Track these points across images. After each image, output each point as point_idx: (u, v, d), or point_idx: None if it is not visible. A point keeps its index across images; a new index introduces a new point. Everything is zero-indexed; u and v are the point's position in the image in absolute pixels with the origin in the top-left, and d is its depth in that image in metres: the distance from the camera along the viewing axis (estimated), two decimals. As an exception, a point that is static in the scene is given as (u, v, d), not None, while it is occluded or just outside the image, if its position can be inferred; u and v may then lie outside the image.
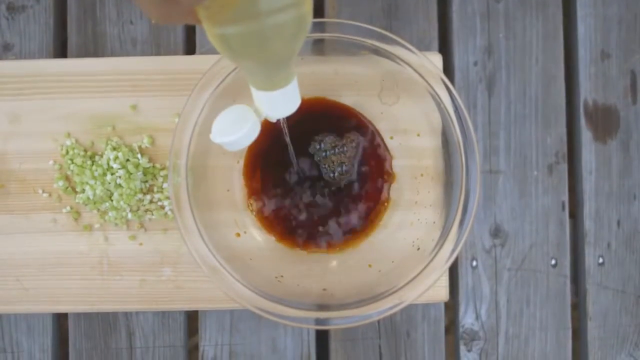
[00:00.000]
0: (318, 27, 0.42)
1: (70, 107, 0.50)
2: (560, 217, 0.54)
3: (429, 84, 0.43)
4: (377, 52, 0.43)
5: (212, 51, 0.53)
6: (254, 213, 0.49)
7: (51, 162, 0.50)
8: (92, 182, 0.49)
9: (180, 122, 0.42)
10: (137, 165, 0.49)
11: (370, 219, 0.49)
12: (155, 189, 0.50)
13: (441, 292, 0.49)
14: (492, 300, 0.53)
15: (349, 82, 0.48)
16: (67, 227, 0.50)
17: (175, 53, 0.54)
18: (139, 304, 0.50)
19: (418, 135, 0.48)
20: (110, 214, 0.49)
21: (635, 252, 0.54)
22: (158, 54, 0.54)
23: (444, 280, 0.49)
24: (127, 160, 0.49)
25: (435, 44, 0.55)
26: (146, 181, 0.50)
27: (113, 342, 0.52)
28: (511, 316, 0.53)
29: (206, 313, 0.52)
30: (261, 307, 0.41)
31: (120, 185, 0.49)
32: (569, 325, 0.54)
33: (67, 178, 0.50)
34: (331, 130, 0.48)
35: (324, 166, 0.47)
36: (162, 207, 0.50)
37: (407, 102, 0.47)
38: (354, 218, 0.48)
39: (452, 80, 0.54)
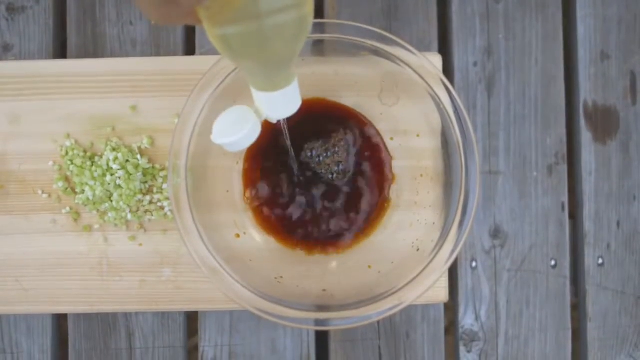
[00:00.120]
0: (318, 28, 0.42)
1: (70, 108, 0.50)
2: (560, 218, 0.54)
3: (428, 85, 0.43)
4: (377, 53, 0.43)
5: (211, 52, 0.53)
6: (254, 214, 0.49)
7: (51, 162, 0.50)
8: (91, 182, 0.49)
9: (179, 123, 0.42)
10: (136, 166, 0.49)
11: (370, 220, 0.49)
12: (154, 190, 0.50)
13: (441, 293, 0.49)
14: (492, 301, 0.53)
15: (349, 83, 0.48)
16: (67, 227, 0.50)
17: (174, 54, 0.54)
18: (139, 305, 0.50)
19: (418, 136, 0.48)
20: (109, 214, 0.49)
21: (635, 253, 0.54)
22: (158, 54, 0.54)
23: (444, 281, 0.49)
24: (127, 161, 0.49)
25: (435, 44, 0.55)
26: (146, 182, 0.50)
27: (113, 342, 0.52)
28: (511, 317, 0.53)
29: (206, 314, 0.52)
30: (261, 308, 0.41)
31: (119, 186, 0.49)
32: (569, 326, 0.54)
33: (66, 179, 0.50)
34: (325, 133, 0.48)
35: (321, 171, 0.47)
36: (162, 208, 0.50)
37: (407, 103, 0.47)
38: (353, 219, 0.48)
39: (451, 81, 0.54)
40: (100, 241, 0.50)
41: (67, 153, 0.50)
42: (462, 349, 0.53)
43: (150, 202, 0.50)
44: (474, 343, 0.53)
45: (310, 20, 0.27)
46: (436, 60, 0.50)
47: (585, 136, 0.55)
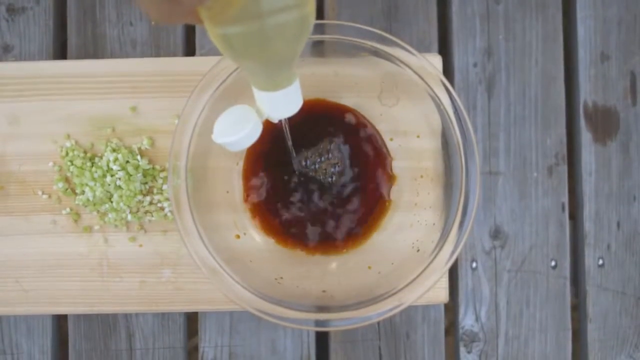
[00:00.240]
0: (318, 28, 0.42)
1: (70, 108, 0.50)
2: (560, 219, 0.54)
3: (428, 86, 0.43)
4: (376, 53, 0.43)
5: (211, 53, 0.53)
6: (253, 215, 0.49)
7: (51, 163, 0.50)
8: (91, 183, 0.49)
9: (180, 123, 0.42)
10: (136, 167, 0.49)
11: (370, 221, 0.49)
12: (155, 191, 0.50)
13: (441, 294, 0.49)
14: (492, 301, 0.53)
15: (349, 83, 0.48)
16: (67, 228, 0.50)
17: (174, 55, 0.54)
18: (139, 306, 0.50)
19: (418, 136, 0.48)
20: (110, 215, 0.49)
21: (635, 254, 0.54)
22: (158, 55, 0.54)
23: (444, 282, 0.49)
24: (127, 161, 0.49)
25: (435, 45, 0.55)
26: (146, 183, 0.50)
27: (113, 343, 0.52)
28: (511, 318, 0.53)
29: (206, 314, 0.52)
30: (261, 308, 0.41)
31: (120, 187, 0.49)
32: (569, 326, 0.53)
33: (66, 180, 0.50)
34: (325, 134, 0.48)
35: (319, 177, 0.47)
36: (162, 209, 0.50)
37: (406, 104, 0.47)
38: (353, 220, 0.48)
39: (451, 81, 0.54)
40: (100, 242, 0.50)
41: (67, 154, 0.50)
42: (462, 349, 0.53)
43: (151, 203, 0.50)
44: (474, 344, 0.53)
45: (312, 19, 0.27)
46: (436, 61, 0.50)
47: (585, 137, 0.55)
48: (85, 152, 0.50)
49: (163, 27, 0.54)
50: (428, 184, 0.47)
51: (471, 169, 0.42)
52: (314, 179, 0.48)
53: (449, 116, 0.42)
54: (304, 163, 0.47)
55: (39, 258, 0.50)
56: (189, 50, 0.55)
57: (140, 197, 0.49)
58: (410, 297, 0.42)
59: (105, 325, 0.52)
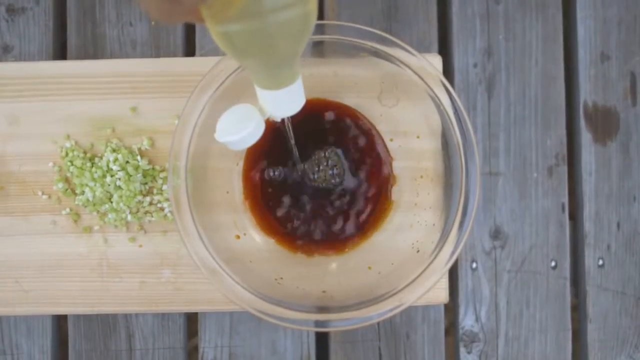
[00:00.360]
0: (318, 29, 0.42)
1: (70, 109, 0.50)
2: (560, 219, 0.54)
3: (428, 86, 0.43)
4: (376, 54, 0.43)
5: (211, 53, 0.53)
6: (253, 215, 0.49)
7: (51, 164, 0.50)
8: (91, 184, 0.49)
9: (179, 124, 0.42)
10: (136, 167, 0.49)
11: (370, 221, 0.49)
12: (154, 191, 0.50)
13: (441, 294, 0.49)
14: (492, 302, 0.53)
15: (349, 84, 0.47)
16: (67, 229, 0.50)
17: (174, 55, 0.54)
18: (139, 306, 0.50)
19: (418, 137, 0.48)
20: (109, 215, 0.49)
21: (635, 254, 0.54)
22: (158, 56, 0.54)
23: (444, 282, 0.49)
24: (127, 162, 0.49)
25: (435, 45, 0.54)
26: (146, 183, 0.50)
27: (113, 343, 0.52)
28: (511, 318, 0.53)
29: (206, 315, 0.52)
30: (261, 309, 0.41)
31: (119, 187, 0.49)
32: (569, 327, 0.53)
33: (66, 180, 0.50)
34: (326, 134, 0.48)
35: (321, 184, 0.47)
36: (162, 209, 0.50)
37: (406, 104, 0.47)
38: (353, 220, 0.48)
39: (451, 82, 0.54)
40: (100, 242, 0.50)
41: (67, 154, 0.50)
42: (462, 349, 0.53)
43: (150, 203, 0.50)
44: (474, 344, 0.53)
45: (314, 17, 0.27)
46: (436, 61, 0.50)
47: (585, 137, 0.55)
48: (85, 153, 0.50)
49: (163, 28, 0.54)
50: (428, 185, 0.47)
51: (471, 170, 0.42)
52: (309, 172, 0.48)
53: (449, 116, 0.42)
54: (311, 176, 0.47)
55: (38, 258, 0.50)
56: (189, 50, 0.55)
57: (140, 197, 0.49)
58: (410, 298, 0.41)
59: (105, 325, 0.52)
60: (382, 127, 0.49)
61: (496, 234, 0.54)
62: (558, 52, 0.55)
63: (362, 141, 0.49)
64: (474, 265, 0.53)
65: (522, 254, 0.54)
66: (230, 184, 0.49)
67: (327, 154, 0.47)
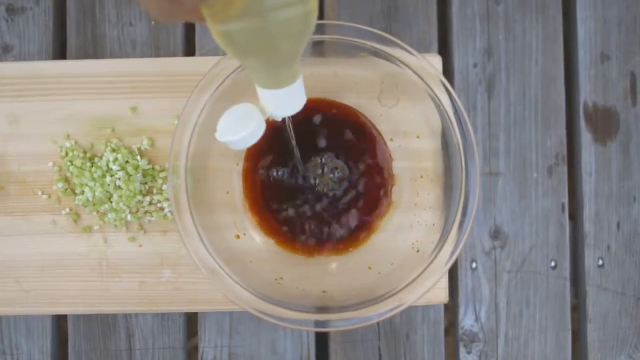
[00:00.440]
0: (317, 28, 0.42)
1: (70, 108, 0.50)
2: (560, 219, 0.54)
3: (428, 86, 0.43)
4: (376, 54, 0.43)
5: (211, 53, 0.53)
6: (253, 215, 0.49)
7: (50, 163, 0.50)
8: (91, 183, 0.49)
9: (179, 124, 0.42)
10: (136, 167, 0.49)
11: (370, 221, 0.49)
12: (154, 191, 0.50)
13: (441, 294, 0.49)
14: (492, 302, 0.53)
15: (349, 84, 0.47)
16: (67, 228, 0.50)
17: (174, 55, 0.54)
18: (139, 306, 0.50)
19: (418, 137, 0.48)
20: (109, 215, 0.49)
21: (635, 254, 0.54)
22: (157, 55, 0.54)
23: (444, 282, 0.49)
24: (127, 162, 0.49)
25: (435, 45, 0.54)
26: (145, 183, 0.50)
27: (112, 343, 0.52)
28: (511, 318, 0.53)
29: (206, 315, 0.52)
30: (260, 309, 0.41)
31: (119, 187, 0.49)
32: (569, 327, 0.53)
33: (66, 180, 0.50)
34: (326, 134, 0.48)
35: (324, 189, 0.47)
36: (162, 209, 0.50)
37: (406, 104, 0.47)
38: (353, 220, 0.48)
39: (451, 82, 0.54)
40: (100, 242, 0.50)
41: (66, 154, 0.50)
42: (462, 349, 0.53)
43: (150, 203, 0.50)
44: (473, 344, 0.53)
45: (314, 16, 0.27)
46: (436, 61, 0.50)
47: (585, 137, 0.55)
48: (85, 152, 0.50)
49: (163, 28, 0.54)
50: (428, 185, 0.47)
51: (471, 170, 0.42)
52: (311, 177, 0.48)
53: (448, 117, 0.42)
54: (312, 181, 0.47)
55: (38, 258, 0.50)
56: (189, 50, 0.55)
57: (139, 197, 0.49)
58: (410, 298, 0.41)
59: (105, 325, 0.52)
60: (382, 127, 0.49)
61: (496, 234, 0.54)
62: (558, 52, 0.55)
63: (363, 141, 0.49)
64: (474, 265, 0.53)
65: (522, 254, 0.54)
66: (230, 184, 0.49)
67: (324, 159, 0.47)
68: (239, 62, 0.42)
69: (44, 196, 0.50)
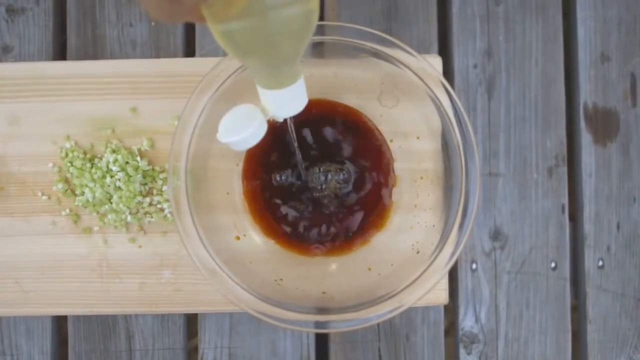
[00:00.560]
0: (318, 29, 0.42)
1: (70, 109, 0.50)
2: (560, 220, 0.54)
3: (428, 87, 0.42)
4: (376, 54, 0.43)
5: (211, 53, 0.53)
6: (253, 216, 0.49)
7: (50, 164, 0.50)
8: (91, 184, 0.49)
9: (179, 124, 0.42)
10: (136, 168, 0.49)
11: (370, 223, 0.49)
12: (154, 192, 0.50)
13: (441, 295, 0.49)
14: (492, 303, 0.53)
15: (349, 85, 0.47)
16: (67, 229, 0.50)
17: (174, 55, 0.54)
18: (139, 307, 0.50)
19: (418, 138, 0.48)
20: (109, 216, 0.49)
21: (635, 255, 0.54)
22: (157, 56, 0.54)
23: (444, 283, 0.49)
24: (127, 162, 0.49)
25: (435, 46, 0.54)
26: (145, 184, 0.50)
27: (112, 344, 0.52)
28: (511, 319, 0.53)
29: (206, 316, 0.52)
30: (260, 310, 0.41)
31: (119, 188, 0.49)
32: (569, 328, 0.53)
33: (66, 181, 0.50)
34: (327, 134, 0.48)
35: (326, 190, 0.47)
36: (162, 210, 0.50)
37: (406, 105, 0.47)
38: (354, 221, 0.48)
39: (451, 82, 0.54)
40: (100, 243, 0.50)
41: (66, 155, 0.50)
42: (462, 350, 0.53)
43: (150, 204, 0.50)
44: (473, 345, 0.53)
45: (315, 16, 0.27)
46: (436, 62, 0.50)
47: (585, 138, 0.55)
48: (85, 153, 0.50)
49: (163, 28, 0.54)
50: (428, 186, 0.47)
51: (471, 170, 0.42)
52: (314, 180, 0.48)
53: (449, 117, 0.42)
54: (319, 188, 0.48)
55: (38, 259, 0.50)
56: (189, 51, 0.55)
57: (139, 198, 0.49)
58: (410, 299, 0.41)
59: (104, 326, 0.52)
60: (383, 128, 0.49)
61: (496, 235, 0.54)
62: (558, 53, 0.55)
63: (364, 142, 0.49)
64: (474, 266, 0.53)
65: (522, 255, 0.54)
66: (230, 185, 0.49)
67: (324, 160, 0.47)
68: (239, 63, 0.42)
69: (44, 197, 0.50)
